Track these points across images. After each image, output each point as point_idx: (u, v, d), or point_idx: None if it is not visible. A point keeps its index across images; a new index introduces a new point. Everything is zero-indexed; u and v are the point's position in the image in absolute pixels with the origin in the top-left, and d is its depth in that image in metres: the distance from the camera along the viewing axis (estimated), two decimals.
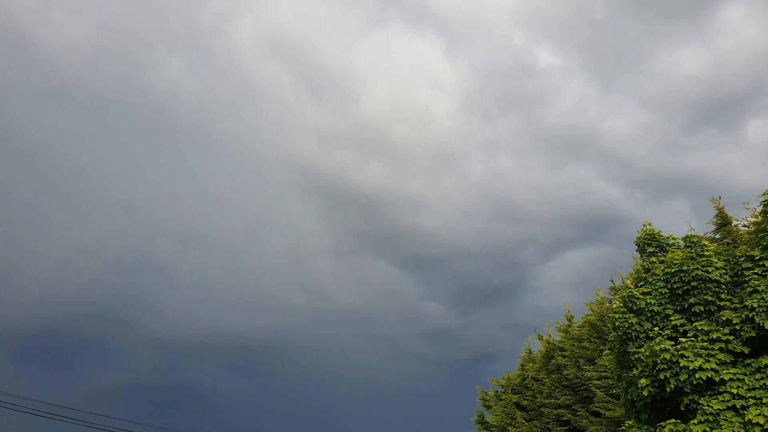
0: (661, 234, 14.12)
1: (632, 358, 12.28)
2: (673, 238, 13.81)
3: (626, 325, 12.35)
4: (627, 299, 12.54)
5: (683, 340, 11.42)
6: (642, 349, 11.79)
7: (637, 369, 11.97)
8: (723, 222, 14.63)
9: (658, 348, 11.29)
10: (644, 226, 14.20)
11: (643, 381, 11.61)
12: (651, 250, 13.93)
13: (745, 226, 13.66)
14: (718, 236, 14.58)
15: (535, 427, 19.94)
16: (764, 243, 11.92)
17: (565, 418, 19.09)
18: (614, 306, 12.88)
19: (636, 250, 14.55)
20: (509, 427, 20.86)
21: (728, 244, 13.58)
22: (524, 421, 20.43)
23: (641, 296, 12.45)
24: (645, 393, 11.58)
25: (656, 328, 11.96)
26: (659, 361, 11.28)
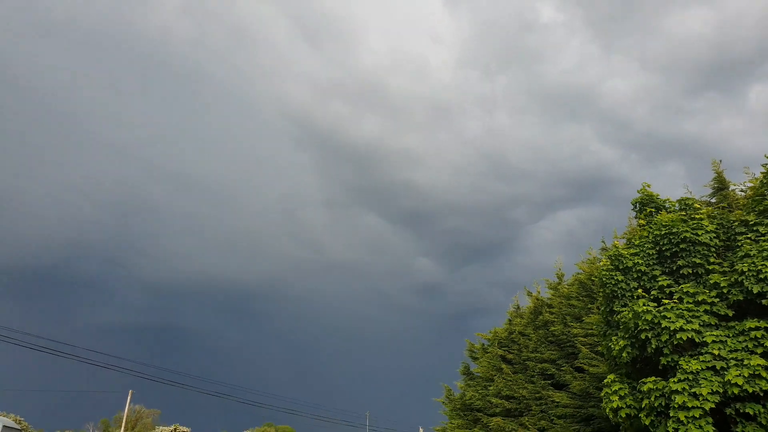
0: (658, 196, 14.13)
1: (615, 319, 12.46)
2: (670, 202, 13.80)
3: (612, 282, 12.48)
4: (614, 258, 12.63)
5: (666, 301, 11.55)
6: (625, 310, 11.93)
7: (618, 332, 12.18)
8: (720, 186, 14.53)
9: (640, 309, 11.43)
10: (643, 186, 14.21)
11: (622, 342, 11.81)
12: (648, 211, 13.94)
13: (742, 191, 13.57)
14: (714, 200, 14.52)
15: (520, 379, 20.43)
16: (760, 208, 11.88)
17: (549, 372, 19.54)
18: (602, 263, 12.99)
19: (632, 210, 14.60)
20: (495, 378, 21.38)
21: (723, 208, 13.54)
22: (510, 372, 20.93)
23: (629, 256, 12.53)
24: (624, 355, 11.81)
25: (640, 290, 12.08)
26: (641, 323, 11.43)
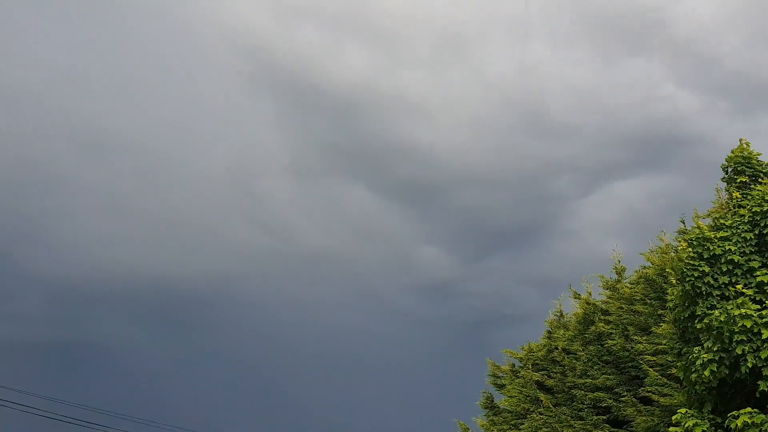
0: (759, 158, 13.99)
1: (698, 325, 12.25)
2: None
3: (694, 276, 12.29)
4: (697, 242, 12.50)
5: None
6: (715, 312, 11.72)
7: (701, 342, 12.00)
8: None
9: (737, 312, 11.22)
10: (740, 143, 14.24)
11: (705, 356, 11.60)
12: (742, 180, 13.75)
13: None
14: None
15: (563, 414, 20.35)
16: None
17: (604, 404, 19.43)
18: (679, 249, 12.82)
19: (722, 179, 14.47)
20: (529, 414, 21.29)
21: None
22: (550, 405, 20.84)
23: (718, 241, 12.33)
24: (707, 373, 11.60)
25: (740, 286, 11.89)
26: (737, 330, 11.22)
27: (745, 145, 14.20)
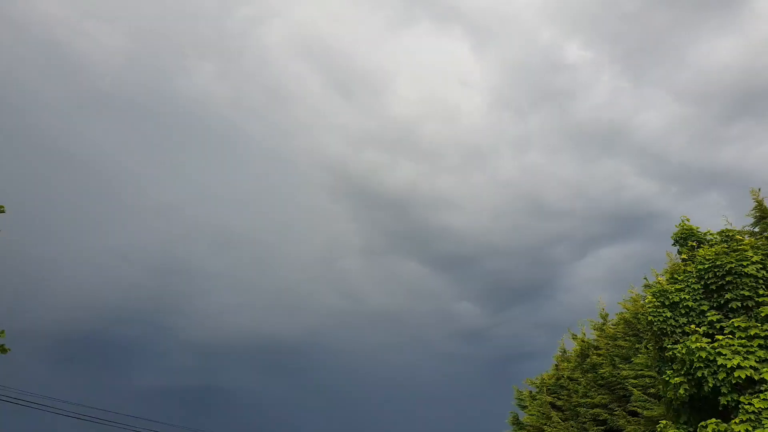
0: (698, 230, 13.94)
1: (667, 355, 12.10)
2: (710, 234, 13.58)
3: (660, 320, 12.22)
4: (659, 294, 12.41)
5: (720, 337, 11.22)
6: (678, 347, 11.61)
7: (673, 368, 11.79)
8: (762, 215, 14.22)
9: (694, 346, 11.10)
10: (682, 221, 14.05)
11: (677, 379, 11.44)
12: (691, 245, 13.72)
13: None
14: (756, 230, 14.19)
15: (572, 426, 19.75)
16: None
17: (601, 418, 18.87)
18: (646, 301, 12.74)
19: (672, 245, 14.37)
20: (545, 427, 20.71)
21: (767, 238, 13.22)
22: (560, 420, 20.26)
23: (674, 291, 12.29)
24: (681, 392, 11.39)
25: (692, 325, 11.76)
26: (695, 360, 11.09)
27: (685, 221, 14.01)
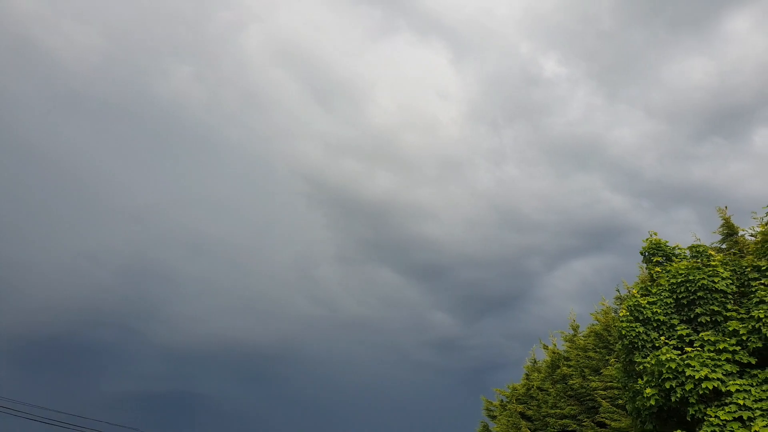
0: (667, 244, 14.14)
1: (638, 368, 12.24)
2: (679, 248, 13.80)
3: (633, 334, 12.35)
4: (633, 308, 12.55)
5: (689, 349, 11.41)
6: (648, 359, 11.76)
7: (643, 379, 11.92)
8: (729, 232, 14.60)
9: (664, 358, 11.26)
10: (650, 235, 14.22)
11: (648, 391, 11.57)
12: (657, 260, 13.92)
13: (752, 236, 13.61)
14: (724, 246, 14.55)
15: None
16: None
17: (570, 429, 18.99)
18: (620, 314, 12.87)
19: (642, 260, 14.55)
20: None
21: (734, 254, 13.55)
22: (529, 430, 20.32)
23: (647, 305, 12.45)
24: (652, 402, 11.54)
25: (662, 338, 11.93)
26: (665, 371, 11.25)
27: (653, 236, 14.18)
